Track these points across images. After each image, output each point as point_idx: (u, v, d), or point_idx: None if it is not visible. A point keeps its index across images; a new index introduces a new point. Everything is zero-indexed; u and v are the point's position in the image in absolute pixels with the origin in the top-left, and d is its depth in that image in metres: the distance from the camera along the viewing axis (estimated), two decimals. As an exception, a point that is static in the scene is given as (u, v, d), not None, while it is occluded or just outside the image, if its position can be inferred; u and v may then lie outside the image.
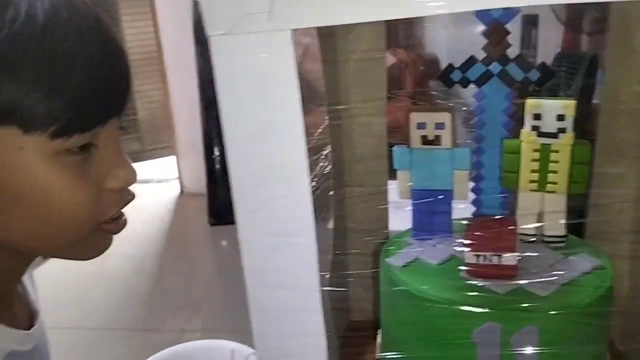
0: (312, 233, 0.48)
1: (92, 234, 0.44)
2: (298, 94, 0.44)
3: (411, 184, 0.74)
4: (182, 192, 3.10)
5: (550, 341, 0.58)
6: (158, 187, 3.21)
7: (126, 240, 2.66)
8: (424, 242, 0.74)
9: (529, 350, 0.58)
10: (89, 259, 0.48)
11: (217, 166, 2.75)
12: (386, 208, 0.89)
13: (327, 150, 0.82)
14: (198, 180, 2.95)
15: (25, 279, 0.57)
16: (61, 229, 0.42)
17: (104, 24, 0.42)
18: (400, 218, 0.83)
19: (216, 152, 2.74)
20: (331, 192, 0.86)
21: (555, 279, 0.63)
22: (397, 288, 0.66)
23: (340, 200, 0.88)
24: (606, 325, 0.65)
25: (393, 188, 0.85)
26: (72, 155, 0.40)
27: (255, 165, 0.47)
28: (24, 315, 0.52)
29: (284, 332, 0.52)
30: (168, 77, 2.94)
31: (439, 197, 0.73)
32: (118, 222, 0.47)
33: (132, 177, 0.46)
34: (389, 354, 0.70)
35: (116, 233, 0.48)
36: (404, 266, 0.69)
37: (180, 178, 3.11)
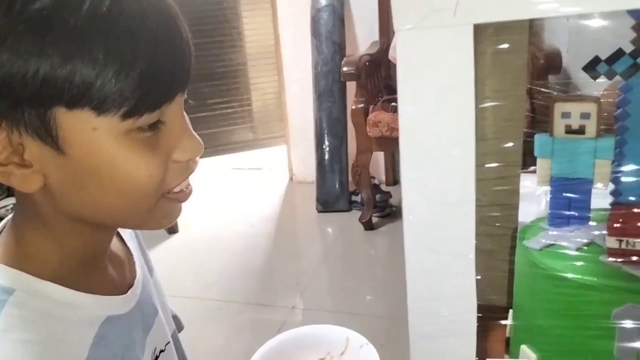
0: (473, 203, 0.54)
1: (161, 204, 0.46)
2: (473, 84, 0.50)
3: (551, 172, 0.77)
4: (291, 179, 3.24)
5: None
6: (269, 174, 3.37)
7: (241, 219, 2.84)
8: (560, 229, 0.77)
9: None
10: (160, 228, 0.48)
11: (326, 156, 2.85)
12: (517, 193, 0.92)
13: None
14: (307, 169, 3.07)
15: (126, 237, 0.59)
16: (134, 200, 0.44)
17: (166, 3, 0.42)
18: (527, 210, 0.86)
19: (326, 143, 2.85)
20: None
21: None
22: (535, 268, 0.70)
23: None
24: None
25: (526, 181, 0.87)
26: (142, 132, 0.41)
27: (426, 144, 0.53)
28: (122, 278, 0.53)
29: (438, 294, 0.58)
30: (284, 69, 3.09)
31: (579, 184, 0.76)
32: (185, 192, 0.48)
33: (198, 149, 0.46)
34: (521, 327, 0.74)
35: (183, 201, 0.48)
36: (542, 249, 0.73)
37: (290, 166, 3.25)
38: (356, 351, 0.88)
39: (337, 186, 2.83)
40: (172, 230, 2.64)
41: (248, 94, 3.46)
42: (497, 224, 0.91)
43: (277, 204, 2.97)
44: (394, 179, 2.99)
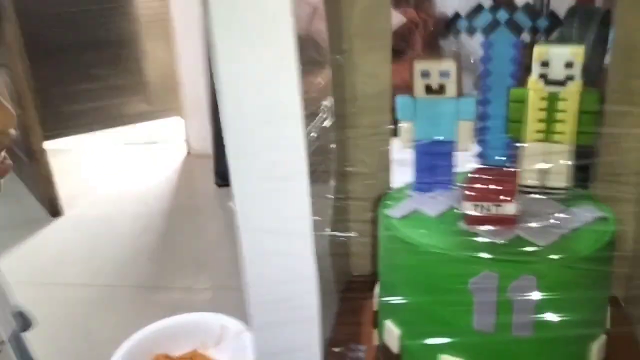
0: (305, 177, 0.47)
1: None
2: (293, 37, 0.42)
3: (414, 135, 0.72)
4: (188, 153, 3.10)
5: (548, 290, 0.58)
6: (165, 148, 3.20)
7: (134, 198, 2.68)
8: (424, 195, 0.73)
9: (526, 298, 0.57)
10: None
11: (223, 127, 2.73)
12: (388, 157, 0.87)
13: (328, 101, 0.81)
14: (204, 142, 2.94)
15: None
16: None
17: None
18: (403, 176, 0.82)
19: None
20: (332, 145, 0.85)
21: (555, 229, 0.62)
22: (395, 237, 0.65)
23: (343, 148, 0.87)
24: (606, 274, 0.65)
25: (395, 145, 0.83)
26: None
27: (249, 107, 0.46)
28: None
29: (276, 276, 0.52)
30: (176, 39, 2.91)
31: (442, 148, 0.72)
32: (1, 166, 0.45)
33: (7, 120, 0.43)
34: (386, 299, 0.70)
35: (1, 176, 0.45)
36: (403, 217, 0.68)
37: (187, 139, 3.10)
38: (233, 340, 0.82)
39: (236, 158, 2.72)
40: (55, 212, 2.44)
41: (140, 62, 3.25)
42: (367, 191, 0.87)
43: (173, 179, 2.83)
44: (295, 148, 2.93)
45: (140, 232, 2.37)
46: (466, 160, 0.75)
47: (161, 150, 3.17)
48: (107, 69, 3.03)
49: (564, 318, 0.59)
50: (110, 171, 2.87)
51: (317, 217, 0.48)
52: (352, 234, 0.83)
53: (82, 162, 3.05)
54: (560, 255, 0.59)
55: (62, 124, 3.02)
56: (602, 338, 0.66)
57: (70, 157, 3.04)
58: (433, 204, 0.70)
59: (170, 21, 2.90)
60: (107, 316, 1.91)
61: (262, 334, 0.53)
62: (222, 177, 2.70)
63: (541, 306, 0.58)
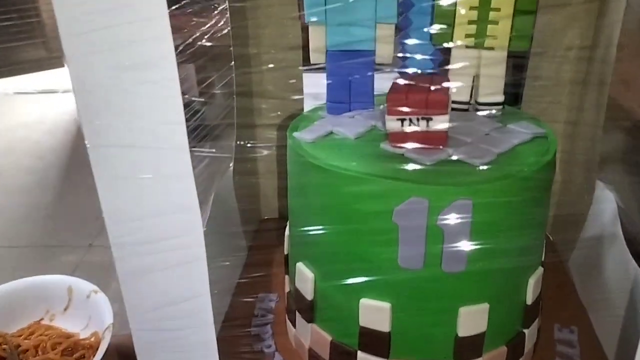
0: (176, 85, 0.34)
1: None
2: None
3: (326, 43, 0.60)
4: (91, 102, 2.83)
5: (485, 215, 0.49)
6: (64, 97, 2.90)
7: (28, 151, 2.41)
8: (340, 116, 0.62)
9: (460, 225, 0.48)
10: None
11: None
12: (299, 80, 0.76)
13: (224, 5, 0.67)
14: (108, 89, 2.68)
15: None
16: None
17: None
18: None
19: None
20: (232, 63, 0.71)
21: (491, 148, 0.53)
22: (305, 163, 0.53)
23: (245, 73, 0.74)
24: (547, 197, 0.57)
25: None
26: None
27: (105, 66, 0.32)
28: None
29: (153, 217, 0.39)
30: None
31: (359, 58, 0.60)
32: None
33: None
34: (298, 238, 0.59)
35: None
36: (315, 140, 0.57)
37: (88, 87, 2.82)
38: (82, 303, 0.69)
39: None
40: None
41: (34, 2, 2.89)
42: (275, 115, 0.75)
43: (72, 130, 2.56)
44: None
45: (35, 187, 2.13)
46: (387, 73, 0.64)
47: (58, 100, 2.87)
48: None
49: (501, 247, 0.51)
50: (1, 123, 2.56)
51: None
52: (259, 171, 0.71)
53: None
54: (498, 175, 0.50)
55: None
56: (540, 271, 0.59)
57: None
58: (351, 125, 0.59)
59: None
60: (1, 280, 1.70)
61: (132, 281, 0.40)
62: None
63: (476, 235, 0.49)
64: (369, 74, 0.61)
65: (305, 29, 0.63)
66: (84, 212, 1.99)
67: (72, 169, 2.26)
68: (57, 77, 2.98)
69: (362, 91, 0.62)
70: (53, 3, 0.35)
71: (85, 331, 0.65)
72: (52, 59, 3.02)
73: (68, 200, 2.06)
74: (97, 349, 0.59)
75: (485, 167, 0.51)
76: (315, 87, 0.73)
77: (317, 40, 0.60)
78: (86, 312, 0.65)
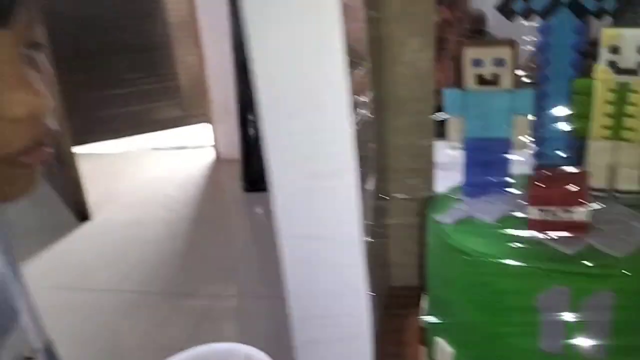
0: (354, 173, 0.41)
1: (5, 169, 0.38)
2: (340, 27, 0.36)
3: (464, 132, 0.66)
4: (217, 158, 3.07)
5: (626, 308, 0.50)
6: (194, 153, 3.18)
7: (161, 204, 2.65)
8: (476, 199, 0.67)
9: (601, 317, 0.50)
10: (13, 199, 0.40)
11: (251, 132, 2.69)
12: (431, 156, 0.81)
13: (366, 97, 0.75)
14: (232, 147, 2.90)
15: None
16: None
17: None
18: (447, 180, 0.75)
19: (249, 118, 2.68)
20: (372, 144, 0.78)
21: (630, 238, 0.55)
22: (448, 246, 0.58)
23: (382, 147, 0.80)
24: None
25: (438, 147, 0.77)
26: None
27: (288, 93, 0.40)
28: None
29: (321, 288, 0.46)
30: (203, 41, 2.88)
31: (495, 146, 0.65)
32: (33, 153, 0.39)
33: (37, 103, 0.37)
34: (436, 318, 0.63)
35: (33, 164, 0.40)
36: (456, 224, 0.62)
37: (215, 144, 3.07)
38: None
39: (263, 164, 2.68)
40: (83, 216, 2.42)
41: (172, 68, 3.23)
42: (410, 195, 0.80)
43: (201, 185, 2.79)
44: (324, 153, 2.87)
45: (168, 237, 2.34)
46: (522, 161, 0.67)
47: (189, 156, 3.15)
48: (138, 73, 3.03)
49: (646, 340, 0.52)
50: (139, 176, 2.85)
51: (368, 222, 0.41)
52: (392, 237, 0.76)
53: (111, 167, 3.05)
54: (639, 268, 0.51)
55: (93, 129, 3.03)
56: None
57: (100, 162, 3.04)
58: (488, 209, 0.63)
59: (198, 26, 2.88)
60: (134, 322, 1.87)
61: (307, 352, 0.47)
62: (250, 183, 2.66)
63: (618, 326, 0.51)
64: (505, 160, 0.66)
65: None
66: (212, 263, 2.15)
67: (201, 221, 2.46)
68: (189, 134, 3.29)
69: (498, 177, 0.66)
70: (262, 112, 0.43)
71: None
72: (186, 117, 3.34)
73: (197, 251, 2.24)
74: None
75: (625, 258, 0.52)
76: (444, 156, 0.77)
77: (456, 129, 0.66)
78: None
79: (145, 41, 3.10)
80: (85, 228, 2.40)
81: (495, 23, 2.27)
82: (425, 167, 0.80)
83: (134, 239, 2.38)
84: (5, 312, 0.49)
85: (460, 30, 2.19)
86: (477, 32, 2.05)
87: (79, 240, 2.31)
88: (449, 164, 0.71)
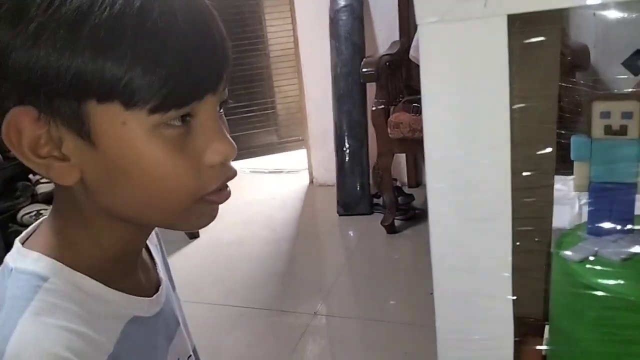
0: (509, 218, 0.49)
1: (197, 205, 0.46)
2: (507, 81, 0.44)
3: (590, 177, 0.71)
4: (311, 182, 3.20)
5: None
6: (289, 177, 3.34)
7: (263, 224, 2.81)
8: (601, 237, 0.71)
9: None
10: (197, 229, 0.49)
11: (347, 159, 2.80)
12: (551, 203, 0.86)
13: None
14: (327, 172, 3.03)
15: (152, 249, 0.60)
16: (165, 199, 0.44)
17: (200, 4, 0.42)
18: (560, 215, 0.80)
19: (346, 145, 2.80)
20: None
21: None
22: (575, 282, 0.64)
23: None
24: None
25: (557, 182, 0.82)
26: (171, 128, 0.42)
27: (454, 149, 0.48)
28: (149, 283, 0.55)
29: (469, 317, 0.53)
30: (303, 72, 3.05)
31: (621, 190, 0.69)
32: (221, 194, 0.47)
33: (230, 152, 0.45)
34: (559, 349, 0.68)
35: (220, 203, 0.48)
36: (582, 260, 0.67)
37: (310, 169, 3.21)
38: None
39: (358, 189, 2.78)
40: (193, 235, 2.62)
41: (271, 97, 3.43)
42: (529, 237, 0.86)
43: (298, 207, 2.93)
44: (416, 180, 2.93)
45: (268, 256, 2.48)
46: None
47: (286, 180, 3.31)
48: (240, 102, 3.24)
49: None
50: (241, 198, 3.04)
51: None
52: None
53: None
54: None
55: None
56: None
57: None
58: (615, 248, 0.68)
59: (298, 56, 3.06)
60: (238, 336, 2.00)
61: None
62: (344, 207, 2.76)
63: None
64: (631, 203, 0.70)
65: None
66: (310, 283, 2.26)
67: (298, 241, 2.59)
68: (281, 159, 3.45)
69: (622, 220, 0.70)
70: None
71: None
72: (281, 144, 3.51)
73: (297, 270, 2.36)
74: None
75: None
76: (561, 191, 0.81)
77: (582, 174, 0.72)
78: None
79: (247, 71, 3.32)
80: (194, 246, 2.59)
81: (597, 59, 2.24)
82: (546, 213, 0.85)
83: (237, 257, 2.55)
84: (171, 320, 0.59)
85: (564, 62, 2.19)
86: (579, 67, 2.04)
87: (188, 257, 2.50)
88: (562, 199, 0.76)
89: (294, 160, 3.41)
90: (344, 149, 2.82)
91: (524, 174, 0.82)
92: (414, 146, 2.30)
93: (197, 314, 2.12)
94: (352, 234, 2.70)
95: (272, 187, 3.23)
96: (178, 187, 0.44)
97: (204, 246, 2.62)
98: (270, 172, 3.45)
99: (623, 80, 0.73)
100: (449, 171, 0.49)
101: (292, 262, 2.45)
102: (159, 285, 0.56)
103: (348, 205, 2.81)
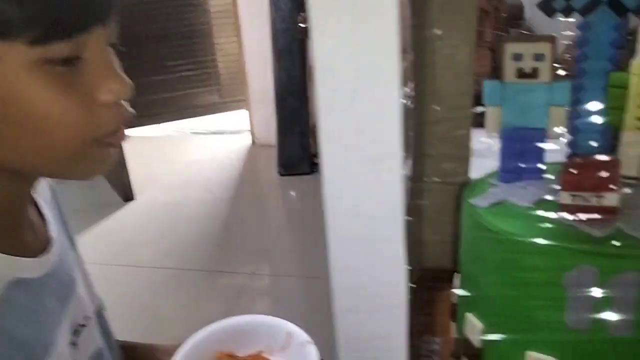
0: (400, 158, 0.46)
1: (90, 149, 0.42)
2: (396, 16, 0.40)
3: (502, 121, 0.69)
4: (253, 143, 3.14)
5: (654, 288, 0.54)
6: (231, 138, 3.26)
7: (201, 186, 2.74)
8: (511, 184, 0.70)
9: (628, 295, 0.54)
10: (90, 177, 0.45)
11: (287, 117, 2.75)
12: (468, 143, 0.84)
13: (408, 87, 0.79)
14: (268, 132, 2.97)
15: (42, 204, 0.56)
16: (52, 142, 0.41)
17: None
18: (482, 167, 0.79)
19: (286, 103, 2.74)
20: (410, 132, 0.83)
21: (661, 224, 0.58)
22: (481, 227, 0.62)
23: (420, 134, 0.84)
24: None
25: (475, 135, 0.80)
26: (56, 66, 0.38)
27: (344, 85, 0.45)
28: (37, 242, 0.50)
29: (363, 262, 0.51)
30: (243, 29, 2.93)
31: (532, 135, 0.68)
32: (117, 136, 0.44)
33: (124, 89, 0.42)
34: (469, 292, 0.67)
35: (116, 147, 0.44)
36: (490, 207, 0.66)
37: (252, 129, 3.14)
38: (298, 349, 0.80)
39: (298, 148, 2.73)
40: (127, 197, 2.53)
41: (212, 55, 3.31)
42: (446, 180, 0.84)
43: (238, 168, 2.87)
44: (358, 140, 2.91)
45: (206, 217, 2.42)
46: (556, 150, 0.71)
47: (227, 140, 3.23)
48: (179, 60, 3.11)
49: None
50: (179, 159, 2.95)
51: (413, 201, 0.46)
52: (426, 219, 0.80)
53: (153, 150, 3.15)
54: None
55: (136, 113, 3.12)
56: None
57: (143, 145, 3.14)
58: (522, 194, 0.67)
59: (236, 12, 2.93)
60: (174, 298, 1.96)
61: (346, 320, 0.52)
62: (285, 167, 2.72)
63: (644, 305, 0.54)
64: (540, 149, 0.69)
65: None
66: (248, 243, 2.23)
67: (238, 202, 2.53)
68: (226, 120, 3.36)
69: (532, 164, 0.69)
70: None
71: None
72: (223, 103, 3.41)
73: (235, 231, 2.32)
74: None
75: (654, 242, 0.56)
76: (480, 143, 0.80)
77: (494, 118, 0.70)
78: (298, 357, 0.77)
79: (186, 29, 3.18)
80: (130, 208, 2.50)
81: (533, 14, 2.25)
82: (462, 155, 0.84)
83: (174, 219, 2.48)
84: (66, 280, 0.54)
85: (498, 20, 2.19)
86: (514, 22, 2.05)
87: (123, 220, 2.41)
88: (485, 151, 0.75)
89: (236, 120, 3.33)
90: (284, 107, 2.76)
91: (442, 114, 0.80)
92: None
93: (132, 277, 2.05)
94: (292, 194, 2.67)
95: (213, 149, 3.14)
96: (67, 129, 0.40)
97: (139, 208, 2.53)
98: (211, 133, 3.35)
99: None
100: (339, 109, 0.45)
101: (231, 223, 2.40)
102: (49, 244, 0.51)
103: (289, 165, 2.76)
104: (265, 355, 0.78)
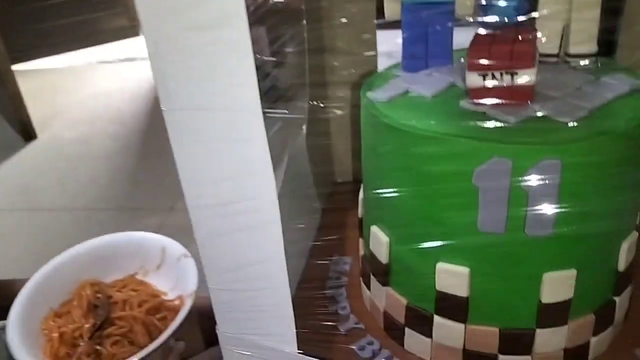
0: (249, 49, 0.33)
1: None
2: None
3: (400, -4, 0.57)
4: (168, 69, 2.91)
5: (574, 176, 0.45)
6: (143, 65, 3.01)
7: (111, 119, 2.53)
8: (415, 74, 0.60)
9: (547, 187, 0.45)
10: None
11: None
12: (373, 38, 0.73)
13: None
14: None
15: None
16: None
17: None
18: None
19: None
20: (304, 21, 0.70)
21: (582, 103, 0.49)
22: (380, 124, 0.52)
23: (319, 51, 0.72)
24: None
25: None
26: None
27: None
28: None
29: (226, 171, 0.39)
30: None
31: (437, 11, 0.57)
32: None
33: None
34: (372, 200, 0.58)
35: None
36: (390, 100, 0.55)
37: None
38: (173, 264, 0.71)
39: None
40: (29, 136, 2.30)
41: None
42: (348, 73, 0.73)
43: (151, 99, 2.66)
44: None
45: (117, 153, 2.24)
46: (466, 30, 0.60)
47: (138, 68, 2.98)
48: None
49: (592, 210, 0.47)
50: (86, 91, 2.70)
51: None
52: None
53: (55, 83, 2.86)
54: (590, 132, 0.46)
55: (31, 44, 2.80)
56: (634, 235, 0.54)
57: (43, 78, 2.85)
58: (428, 83, 0.56)
59: None
60: (87, 239, 1.82)
61: (209, 243, 0.41)
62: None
63: (564, 197, 0.46)
64: (448, 26, 0.58)
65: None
66: (166, 176, 2.07)
67: (153, 134, 2.35)
68: (137, 46, 3.09)
69: (440, 46, 0.59)
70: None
71: (173, 292, 0.68)
72: (133, 27, 3.13)
73: (150, 165, 2.15)
74: (178, 312, 0.61)
75: (575, 124, 0.47)
76: (389, 44, 0.70)
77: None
78: (175, 274, 0.68)
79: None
80: (32, 147, 2.28)
81: None
82: (365, 49, 0.72)
83: (82, 156, 2.29)
84: None
85: None
86: None
87: (25, 160, 2.20)
88: (392, 52, 0.63)
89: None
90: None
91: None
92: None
93: (39, 223, 1.89)
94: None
95: (123, 78, 2.89)
96: None
97: (42, 147, 2.31)
98: (120, 61, 3.08)
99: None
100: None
101: (145, 158, 2.23)
102: None
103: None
104: (139, 277, 0.66)
